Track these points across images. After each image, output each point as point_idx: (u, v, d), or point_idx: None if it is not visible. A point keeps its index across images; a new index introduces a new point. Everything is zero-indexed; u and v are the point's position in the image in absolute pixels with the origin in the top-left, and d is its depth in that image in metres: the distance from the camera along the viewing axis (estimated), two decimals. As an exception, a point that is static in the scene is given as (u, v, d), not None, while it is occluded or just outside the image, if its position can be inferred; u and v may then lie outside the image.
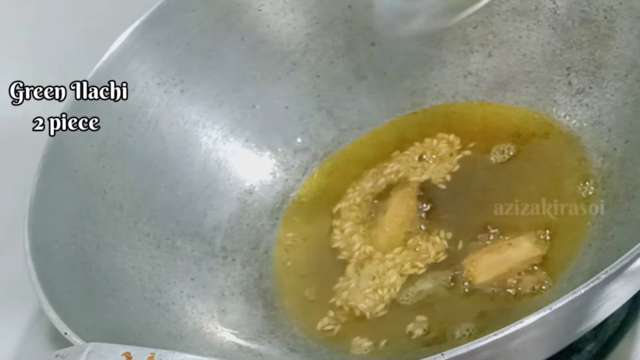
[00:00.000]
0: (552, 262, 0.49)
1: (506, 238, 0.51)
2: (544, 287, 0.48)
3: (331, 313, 0.52)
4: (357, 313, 0.52)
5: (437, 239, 0.53)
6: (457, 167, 0.56)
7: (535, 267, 0.49)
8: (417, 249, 0.53)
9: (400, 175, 0.57)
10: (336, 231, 0.57)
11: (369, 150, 0.61)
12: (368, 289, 0.52)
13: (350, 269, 0.54)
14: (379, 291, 0.52)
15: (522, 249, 0.50)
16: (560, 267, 0.49)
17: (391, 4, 0.49)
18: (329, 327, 0.52)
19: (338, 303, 0.53)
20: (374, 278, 0.53)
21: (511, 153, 0.56)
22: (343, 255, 0.55)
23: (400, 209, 0.55)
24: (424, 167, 0.57)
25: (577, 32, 0.56)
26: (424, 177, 0.56)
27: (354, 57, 0.62)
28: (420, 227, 0.54)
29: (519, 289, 0.48)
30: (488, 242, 0.51)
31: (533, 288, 0.48)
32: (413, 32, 0.51)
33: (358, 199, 0.58)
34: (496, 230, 0.51)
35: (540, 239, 0.50)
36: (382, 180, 0.58)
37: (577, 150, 0.54)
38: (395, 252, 0.53)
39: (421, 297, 0.51)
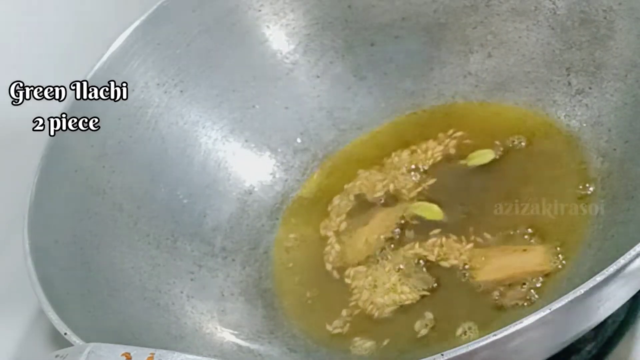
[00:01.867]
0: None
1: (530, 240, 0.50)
2: (532, 300, 0.48)
3: (344, 312, 0.52)
4: (365, 314, 0.51)
5: (433, 238, 0.53)
6: (457, 167, 0.57)
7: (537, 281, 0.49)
8: (409, 250, 0.53)
9: (392, 187, 0.57)
10: (327, 232, 0.57)
11: (368, 151, 0.61)
12: (377, 289, 0.52)
13: (349, 272, 0.54)
14: (387, 293, 0.52)
15: (534, 259, 0.49)
16: (560, 269, 0.49)
17: None
18: (338, 329, 0.52)
19: (350, 303, 0.53)
20: (387, 279, 0.53)
21: (510, 153, 0.56)
22: (332, 262, 0.55)
23: (383, 222, 0.55)
24: (417, 177, 0.57)
25: (577, 32, 0.56)
26: (416, 188, 0.56)
27: (354, 57, 0.62)
28: (396, 236, 0.54)
29: (509, 299, 0.48)
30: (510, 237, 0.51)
31: (525, 299, 0.48)
32: None
33: (347, 204, 0.58)
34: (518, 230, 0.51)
35: (555, 251, 0.50)
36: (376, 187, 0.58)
37: (576, 150, 0.54)
38: (393, 252, 0.53)
39: (424, 294, 0.51)
